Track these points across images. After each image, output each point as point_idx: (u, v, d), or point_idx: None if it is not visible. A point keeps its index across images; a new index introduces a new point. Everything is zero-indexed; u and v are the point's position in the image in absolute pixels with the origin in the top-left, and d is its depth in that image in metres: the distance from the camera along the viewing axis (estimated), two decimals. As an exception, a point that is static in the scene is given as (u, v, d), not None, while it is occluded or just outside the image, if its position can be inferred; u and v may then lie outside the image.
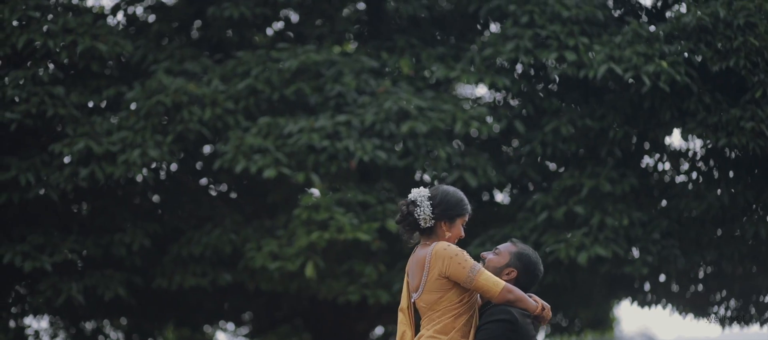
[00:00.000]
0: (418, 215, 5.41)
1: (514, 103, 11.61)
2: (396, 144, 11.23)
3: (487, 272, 5.33)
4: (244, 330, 16.39)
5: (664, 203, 11.69)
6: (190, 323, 14.89)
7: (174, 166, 12.26)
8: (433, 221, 5.41)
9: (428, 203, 5.40)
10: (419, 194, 5.42)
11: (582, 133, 11.22)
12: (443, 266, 5.31)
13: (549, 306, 5.46)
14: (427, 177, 11.72)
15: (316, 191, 11.42)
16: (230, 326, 16.35)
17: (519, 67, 11.44)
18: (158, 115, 11.12)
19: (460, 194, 5.48)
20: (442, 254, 5.32)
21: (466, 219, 5.48)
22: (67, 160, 11.15)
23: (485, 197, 12.61)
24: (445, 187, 5.48)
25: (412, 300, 5.49)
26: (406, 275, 5.55)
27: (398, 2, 11.95)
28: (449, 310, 5.36)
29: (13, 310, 13.35)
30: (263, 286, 11.84)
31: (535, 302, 5.39)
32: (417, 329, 5.51)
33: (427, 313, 5.41)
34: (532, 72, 11.53)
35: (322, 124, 10.97)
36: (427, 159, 11.18)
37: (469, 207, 5.49)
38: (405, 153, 11.26)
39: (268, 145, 10.94)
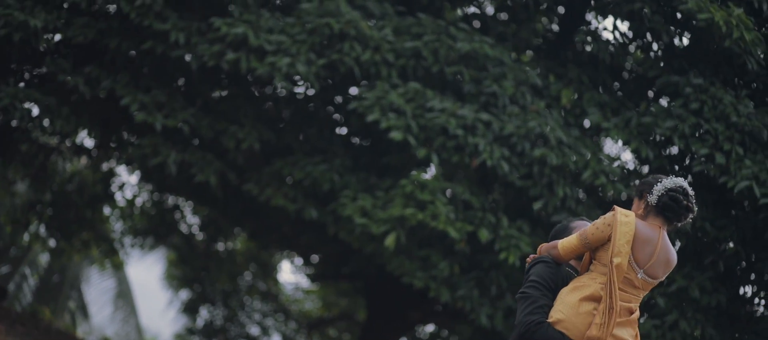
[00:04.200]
0: None
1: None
2: (523, 163, 11.27)
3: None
4: (309, 270, 16.47)
5: (743, 332, 11.63)
6: (262, 239, 15.00)
7: (312, 91, 12.38)
8: None
9: None
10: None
11: (696, 233, 11.19)
12: None
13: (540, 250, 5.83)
14: (535, 205, 11.74)
15: (430, 172, 11.46)
16: (298, 260, 16.44)
17: (671, 149, 11.44)
18: (322, 36, 11.20)
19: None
20: None
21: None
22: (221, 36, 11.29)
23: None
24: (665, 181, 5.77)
25: None
26: None
27: (585, 38, 11.99)
28: None
29: (113, 147, 13.49)
30: (342, 235, 11.89)
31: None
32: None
33: None
34: (677, 157, 11.52)
35: (465, 113, 11.00)
36: (545, 189, 11.19)
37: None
38: (527, 175, 11.29)
39: (406, 109, 11.02)
